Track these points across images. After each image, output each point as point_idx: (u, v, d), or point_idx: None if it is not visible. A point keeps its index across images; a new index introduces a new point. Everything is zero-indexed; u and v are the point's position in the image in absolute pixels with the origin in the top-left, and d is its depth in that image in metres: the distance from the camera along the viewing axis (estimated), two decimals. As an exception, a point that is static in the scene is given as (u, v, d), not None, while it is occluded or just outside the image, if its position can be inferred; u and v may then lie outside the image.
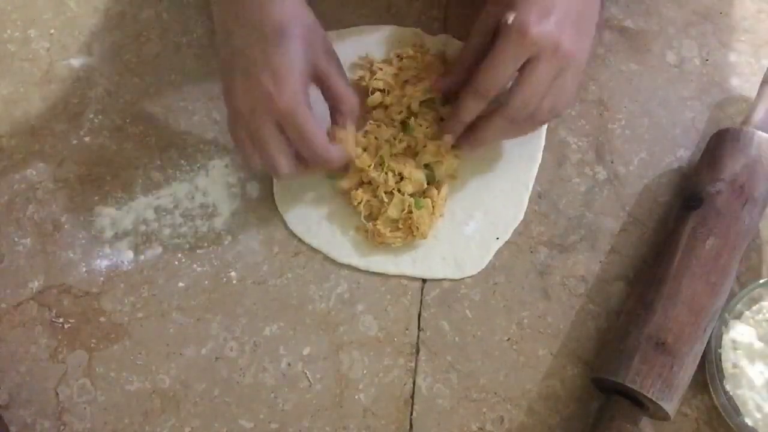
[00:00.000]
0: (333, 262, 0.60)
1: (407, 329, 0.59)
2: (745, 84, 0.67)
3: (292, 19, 0.53)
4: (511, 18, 0.51)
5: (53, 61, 0.68)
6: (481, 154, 0.62)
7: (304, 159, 0.55)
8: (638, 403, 0.53)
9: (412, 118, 0.61)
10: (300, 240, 0.61)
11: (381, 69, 0.64)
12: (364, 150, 0.60)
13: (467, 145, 0.59)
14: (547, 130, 0.65)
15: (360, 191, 0.60)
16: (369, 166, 0.59)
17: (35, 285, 0.60)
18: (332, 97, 0.57)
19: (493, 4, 0.56)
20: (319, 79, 0.56)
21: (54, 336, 0.58)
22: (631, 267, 0.61)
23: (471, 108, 0.56)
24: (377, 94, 0.63)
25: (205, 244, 0.61)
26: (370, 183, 0.60)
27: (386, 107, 0.63)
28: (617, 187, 0.63)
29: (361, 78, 0.64)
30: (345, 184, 0.61)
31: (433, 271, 0.60)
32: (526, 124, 0.57)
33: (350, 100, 0.57)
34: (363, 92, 0.64)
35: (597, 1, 0.55)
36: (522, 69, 0.53)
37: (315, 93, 0.56)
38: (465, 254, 0.60)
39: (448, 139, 0.59)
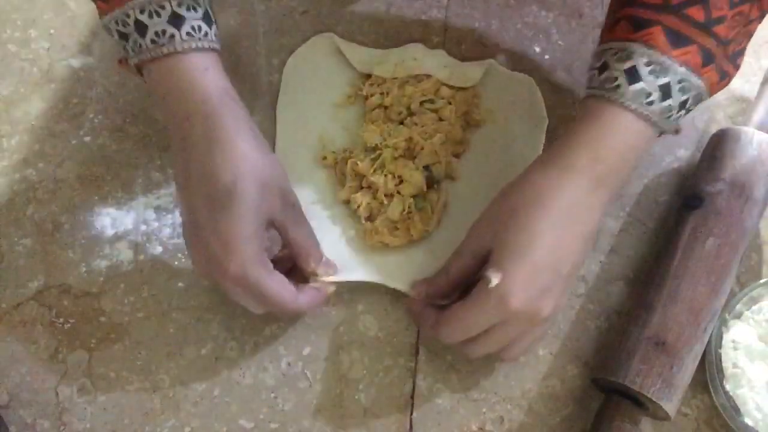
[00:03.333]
0: (333, 262, 0.61)
1: (407, 329, 0.59)
2: (745, 84, 0.67)
3: (244, 175, 0.50)
4: (494, 281, 0.48)
5: (53, 61, 0.68)
6: (481, 155, 0.62)
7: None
8: (638, 403, 0.53)
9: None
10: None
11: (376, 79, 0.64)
12: (365, 156, 0.61)
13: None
14: (547, 130, 0.65)
15: (359, 194, 0.60)
16: (370, 172, 0.59)
17: (35, 285, 0.60)
18: (292, 248, 0.54)
19: (475, 237, 0.53)
20: (277, 229, 0.53)
21: (54, 336, 0.58)
22: (631, 267, 0.61)
23: (428, 331, 0.55)
24: (377, 95, 0.63)
25: (205, 244, 0.61)
26: (369, 187, 0.60)
27: (386, 108, 0.63)
28: (617, 187, 0.63)
29: (359, 88, 0.64)
30: (343, 194, 0.61)
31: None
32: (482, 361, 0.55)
33: (311, 251, 0.55)
34: (362, 100, 0.64)
35: (589, 247, 0.52)
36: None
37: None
38: None
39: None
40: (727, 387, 0.54)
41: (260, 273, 0.50)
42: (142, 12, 0.50)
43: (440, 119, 0.62)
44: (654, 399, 0.51)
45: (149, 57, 0.51)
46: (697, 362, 0.54)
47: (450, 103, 0.63)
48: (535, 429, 0.56)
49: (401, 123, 0.62)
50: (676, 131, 0.52)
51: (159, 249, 0.61)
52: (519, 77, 0.66)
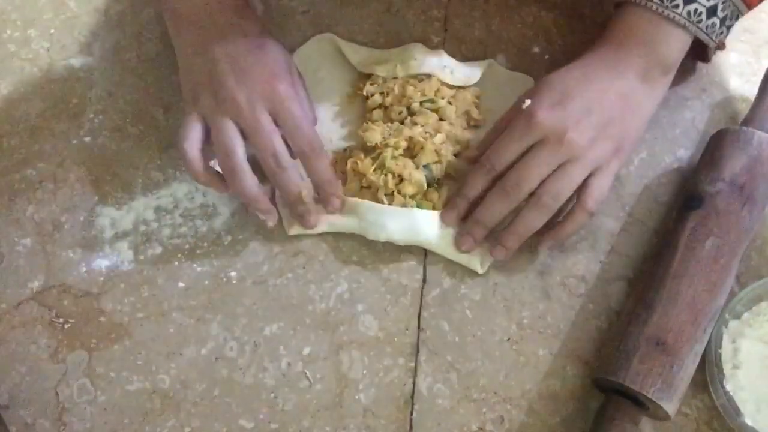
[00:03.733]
0: (333, 262, 0.60)
1: (407, 329, 0.59)
2: (745, 84, 0.67)
3: (274, 43, 0.61)
4: (526, 103, 0.56)
5: (53, 61, 0.68)
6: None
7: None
8: (638, 403, 0.53)
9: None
10: (300, 240, 0.61)
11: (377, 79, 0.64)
12: (366, 155, 0.60)
13: (477, 232, 0.58)
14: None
15: (359, 196, 0.60)
16: (370, 171, 0.59)
17: (35, 285, 0.60)
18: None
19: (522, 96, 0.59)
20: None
21: (54, 336, 0.58)
22: (631, 267, 0.61)
23: (475, 183, 0.58)
24: (377, 95, 0.63)
25: (205, 244, 0.61)
26: (369, 187, 0.60)
27: (386, 107, 0.63)
28: (617, 187, 0.63)
29: (359, 88, 0.64)
30: (345, 191, 0.61)
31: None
32: (530, 209, 0.56)
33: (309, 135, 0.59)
34: (362, 99, 0.64)
35: (640, 116, 0.58)
36: (527, 150, 0.56)
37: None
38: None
39: (450, 217, 0.59)
40: (727, 387, 0.54)
41: (300, 107, 0.58)
42: None
43: (440, 119, 0.62)
44: (654, 399, 0.51)
45: None
46: (697, 362, 0.54)
47: (450, 103, 0.63)
48: (535, 429, 0.56)
49: (401, 123, 0.62)
50: (720, 47, 0.60)
51: (159, 249, 0.61)
52: (519, 77, 0.66)
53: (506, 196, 0.56)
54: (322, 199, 0.59)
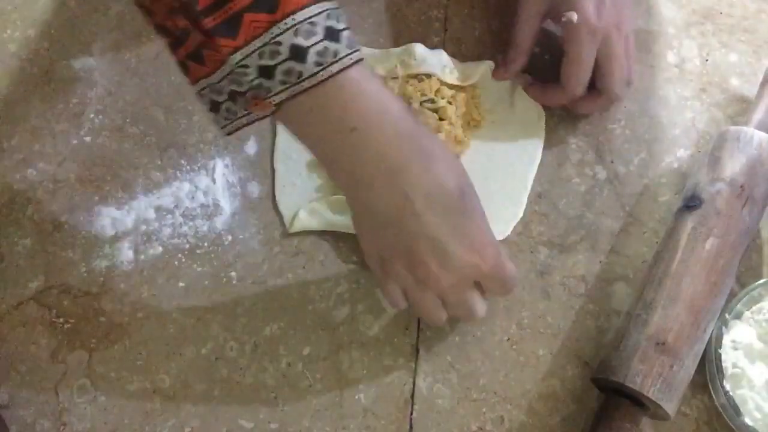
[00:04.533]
0: (333, 262, 0.60)
1: (407, 329, 0.59)
2: (745, 84, 0.67)
3: (462, 176, 0.49)
4: (574, 18, 0.56)
5: (53, 61, 0.68)
6: (481, 155, 0.62)
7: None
8: (638, 403, 0.53)
9: None
10: (300, 240, 0.61)
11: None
12: None
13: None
14: (547, 130, 0.65)
15: None
16: None
17: (35, 285, 0.60)
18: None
19: (531, 3, 0.61)
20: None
21: (54, 336, 0.58)
22: (631, 267, 0.60)
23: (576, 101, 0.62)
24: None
25: (205, 244, 0.61)
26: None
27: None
28: (617, 187, 0.63)
29: None
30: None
31: None
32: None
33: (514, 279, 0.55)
34: None
35: None
36: (599, 56, 0.59)
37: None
38: None
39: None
40: (727, 387, 0.54)
41: (504, 263, 0.52)
42: (295, 34, 0.42)
43: (440, 119, 0.62)
44: (654, 399, 0.51)
45: (315, 82, 0.43)
46: (697, 362, 0.54)
47: (450, 103, 0.63)
48: (535, 429, 0.56)
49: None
50: None
51: (159, 249, 0.61)
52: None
53: (619, 100, 0.64)
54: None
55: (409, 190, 0.47)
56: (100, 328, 0.59)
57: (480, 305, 0.54)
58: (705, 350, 0.55)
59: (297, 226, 0.61)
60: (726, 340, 0.56)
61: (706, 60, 0.68)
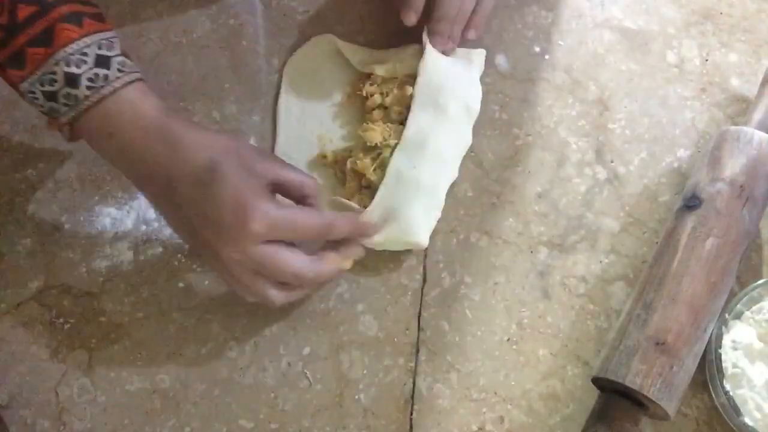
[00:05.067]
0: (333, 262, 0.60)
1: (407, 329, 0.59)
2: (745, 84, 0.67)
3: (213, 148, 0.51)
4: None
5: (53, 61, 0.68)
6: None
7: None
8: (638, 403, 0.53)
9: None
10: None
11: (376, 77, 0.64)
12: (365, 155, 0.60)
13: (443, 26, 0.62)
14: (547, 130, 0.65)
15: (358, 197, 0.60)
16: (370, 171, 0.59)
17: (35, 285, 0.60)
18: (293, 190, 0.55)
19: None
20: (272, 184, 0.53)
21: (54, 336, 0.58)
22: (631, 267, 0.61)
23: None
24: (377, 95, 0.63)
25: (205, 244, 0.61)
26: (369, 187, 0.60)
27: (386, 107, 0.63)
28: (617, 187, 0.63)
29: (359, 88, 0.64)
30: (344, 194, 0.61)
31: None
32: None
33: (308, 182, 0.55)
34: (362, 100, 0.64)
35: None
36: None
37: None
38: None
39: (410, 16, 0.62)
40: (727, 387, 0.54)
41: (287, 212, 0.51)
42: (68, 65, 0.49)
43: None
44: (654, 399, 0.51)
45: (88, 104, 0.50)
46: (697, 362, 0.54)
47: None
48: (535, 429, 0.56)
49: (401, 123, 0.62)
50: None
51: (159, 249, 0.61)
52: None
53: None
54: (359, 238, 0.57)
55: (170, 178, 0.51)
56: (100, 328, 0.59)
57: (268, 290, 0.53)
58: (705, 350, 0.55)
59: None
60: (726, 340, 0.56)
61: (706, 60, 0.68)
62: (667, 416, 0.53)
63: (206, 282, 0.60)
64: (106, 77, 0.50)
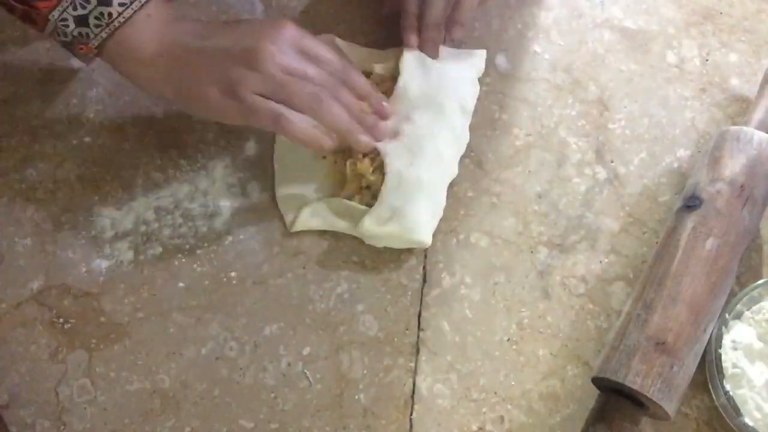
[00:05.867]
0: (333, 262, 0.60)
1: (407, 329, 0.59)
2: (745, 84, 0.67)
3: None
4: None
5: (53, 61, 0.68)
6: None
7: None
8: (638, 403, 0.53)
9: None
10: (300, 240, 0.61)
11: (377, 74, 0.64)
12: (365, 156, 0.60)
13: (434, 33, 0.62)
14: (547, 130, 0.65)
15: (358, 197, 0.60)
16: (370, 171, 0.59)
17: (35, 285, 0.60)
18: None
19: None
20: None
21: (54, 336, 0.58)
22: (631, 267, 0.61)
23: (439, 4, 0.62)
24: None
25: (205, 244, 0.61)
26: (369, 187, 0.60)
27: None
28: (617, 187, 0.63)
29: None
30: (343, 195, 0.61)
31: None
32: None
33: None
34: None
35: None
36: None
37: None
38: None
39: (411, 39, 0.62)
40: (727, 387, 0.54)
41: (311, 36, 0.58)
42: None
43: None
44: (654, 399, 0.51)
45: (123, 21, 0.53)
46: (697, 362, 0.54)
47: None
48: (535, 429, 0.56)
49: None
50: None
51: (159, 249, 0.61)
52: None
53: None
54: (375, 110, 0.60)
55: (204, 25, 0.57)
56: (100, 328, 0.59)
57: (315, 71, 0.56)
58: (705, 350, 0.55)
59: (297, 226, 0.61)
60: (726, 340, 0.56)
61: (706, 60, 0.68)
62: (667, 416, 0.53)
63: (206, 282, 0.60)
64: None
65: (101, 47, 0.55)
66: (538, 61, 0.68)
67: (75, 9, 0.53)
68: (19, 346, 0.58)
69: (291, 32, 0.56)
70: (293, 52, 0.55)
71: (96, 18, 0.53)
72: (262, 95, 0.54)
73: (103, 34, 0.54)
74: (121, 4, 0.53)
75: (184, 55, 0.55)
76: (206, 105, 0.56)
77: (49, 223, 0.62)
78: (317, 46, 0.57)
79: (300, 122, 0.55)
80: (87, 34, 0.54)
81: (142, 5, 0.54)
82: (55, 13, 0.53)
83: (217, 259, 0.61)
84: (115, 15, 0.53)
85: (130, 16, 0.54)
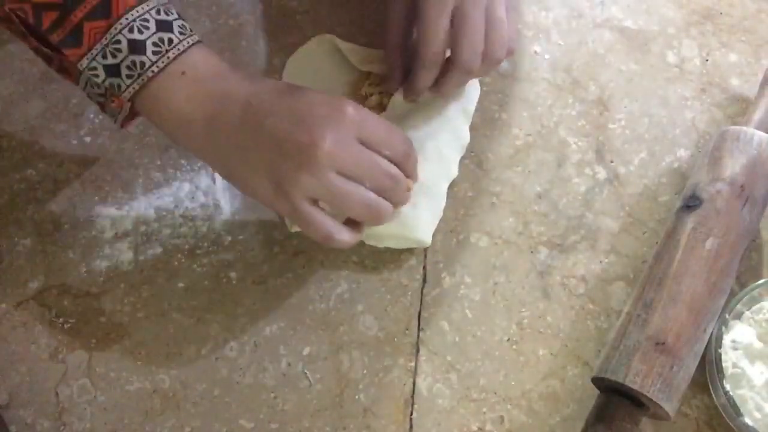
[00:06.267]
0: (333, 262, 0.60)
1: (407, 329, 0.59)
2: (745, 84, 0.67)
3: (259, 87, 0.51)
4: None
5: (53, 61, 0.68)
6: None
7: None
8: (638, 403, 0.53)
9: None
10: (300, 240, 0.61)
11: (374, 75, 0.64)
12: None
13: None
14: (547, 130, 0.65)
15: None
16: None
17: (35, 285, 0.60)
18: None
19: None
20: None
21: (54, 336, 0.58)
22: (631, 267, 0.61)
23: (427, 77, 0.57)
24: (376, 95, 0.63)
25: (205, 244, 0.61)
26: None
27: (385, 108, 0.63)
28: (617, 187, 0.63)
29: (359, 88, 0.64)
30: None
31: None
32: (482, 69, 0.57)
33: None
34: (361, 99, 0.64)
35: None
36: (453, 19, 0.54)
37: None
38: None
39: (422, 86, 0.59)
40: (727, 387, 0.54)
41: (375, 116, 0.52)
42: (131, 31, 0.48)
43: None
44: (654, 399, 0.51)
45: (154, 71, 0.49)
46: (697, 362, 0.54)
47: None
48: (535, 429, 0.56)
49: (401, 123, 0.62)
50: None
51: (159, 249, 0.61)
52: None
53: (469, 73, 0.56)
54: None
55: (250, 95, 0.50)
56: (100, 328, 0.59)
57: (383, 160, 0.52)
58: (705, 350, 0.55)
59: (297, 226, 0.61)
60: (726, 340, 0.56)
61: (706, 60, 0.68)
62: (667, 416, 0.53)
63: (206, 282, 0.60)
64: (170, 41, 0.49)
65: (134, 100, 0.50)
66: (538, 61, 0.68)
67: (105, 57, 0.48)
68: (19, 346, 0.58)
69: (351, 118, 0.50)
70: (352, 143, 0.50)
71: (128, 68, 0.48)
72: (315, 198, 0.50)
73: (135, 85, 0.49)
74: (155, 53, 0.48)
75: (230, 132, 0.50)
76: (255, 194, 0.52)
77: (49, 223, 0.62)
78: (377, 129, 0.51)
79: (349, 239, 0.52)
80: (119, 85, 0.49)
81: (178, 55, 0.49)
82: (84, 62, 0.49)
83: (217, 259, 0.61)
84: (148, 64, 0.48)
85: (165, 67, 0.49)
